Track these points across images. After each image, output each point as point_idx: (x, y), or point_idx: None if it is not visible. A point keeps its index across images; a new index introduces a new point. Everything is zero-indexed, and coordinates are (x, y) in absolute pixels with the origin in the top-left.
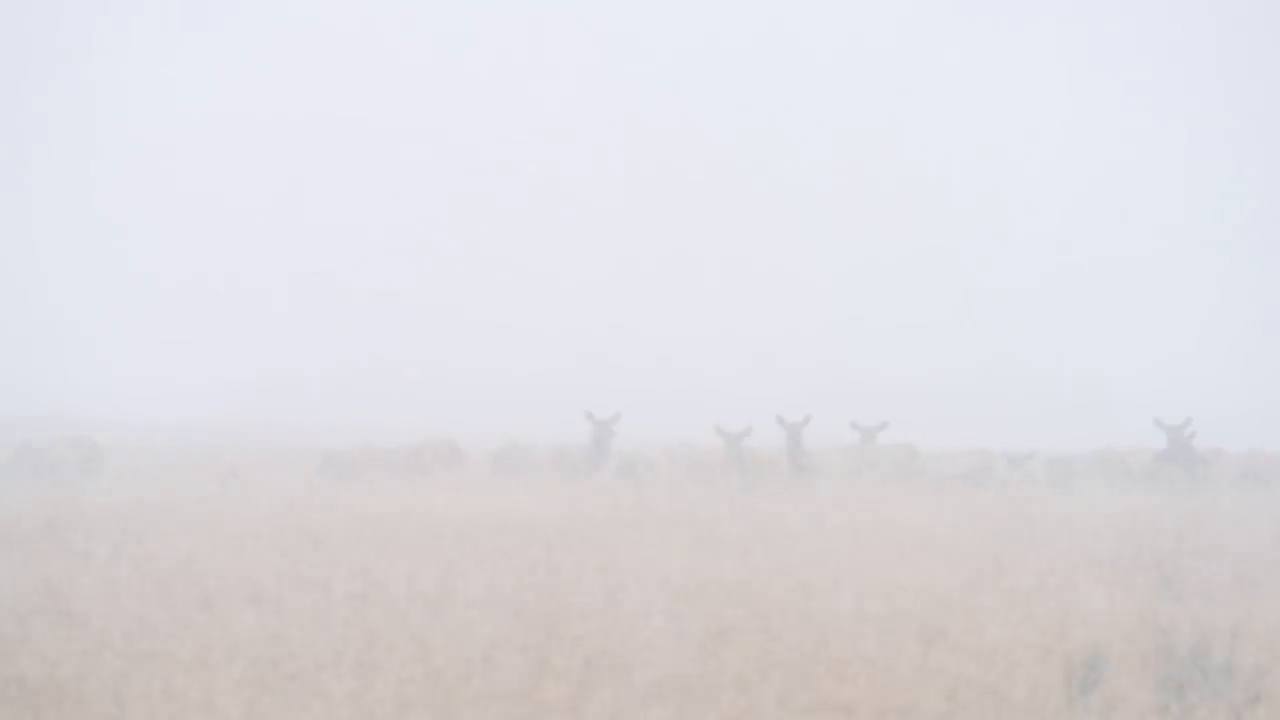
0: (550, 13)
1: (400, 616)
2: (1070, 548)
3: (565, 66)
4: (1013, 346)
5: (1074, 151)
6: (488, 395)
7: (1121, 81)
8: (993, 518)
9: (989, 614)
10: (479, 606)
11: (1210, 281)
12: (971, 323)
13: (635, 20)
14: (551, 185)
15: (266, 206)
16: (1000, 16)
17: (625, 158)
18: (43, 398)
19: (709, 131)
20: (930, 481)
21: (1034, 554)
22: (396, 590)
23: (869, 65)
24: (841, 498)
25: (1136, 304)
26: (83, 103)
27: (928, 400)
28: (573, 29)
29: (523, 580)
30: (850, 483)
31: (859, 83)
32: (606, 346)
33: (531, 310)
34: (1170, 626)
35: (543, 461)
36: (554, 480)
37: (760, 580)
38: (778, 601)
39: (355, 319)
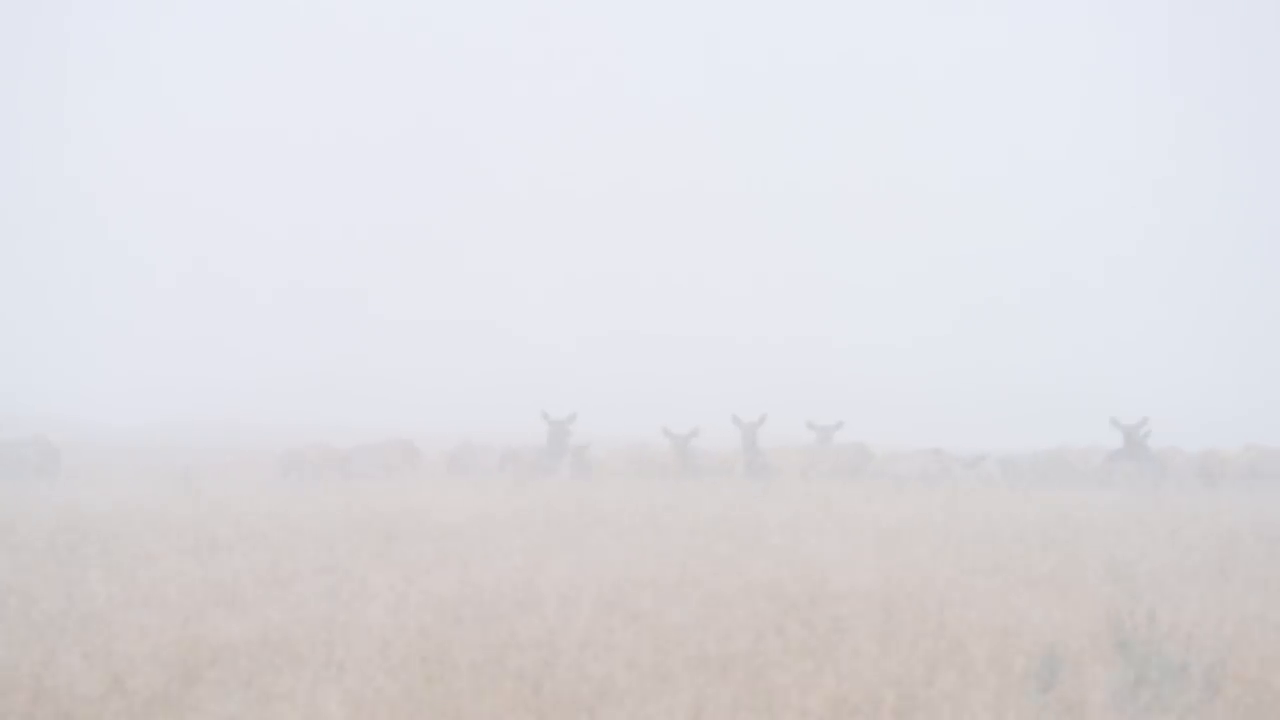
0: (541, 16)
1: (360, 615)
2: (1026, 546)
3: (529, 71)
4: (1004, 353)
5: (1064, 161)
6: (445, 396)
7: (1114, 91)
8: (947, 517)
9: (945, 612)
10: (436, 607)
11: (1196, 288)
12: (967, 331)
13: (624, 24)
14: (525, 189)
15: (238, 207)
16: (998, 30)
17: (601, 164)
18: (5, 396)
19: (690, 138)
20: (886, 481)
21: (990, 553)
22: (355, 589)
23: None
24: (796, 496)
25: (1123, 309)
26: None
27: (915, 407)
28: (549, 32)
29: (480, 579)
30: (804, 482)
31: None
32: (602, 349)
33: (493, 312)
34: (1126, 625)
35: (498, 461)
36: (509, 479)
37: (709, 577)
38: (728, 598)
39: (319, 320)
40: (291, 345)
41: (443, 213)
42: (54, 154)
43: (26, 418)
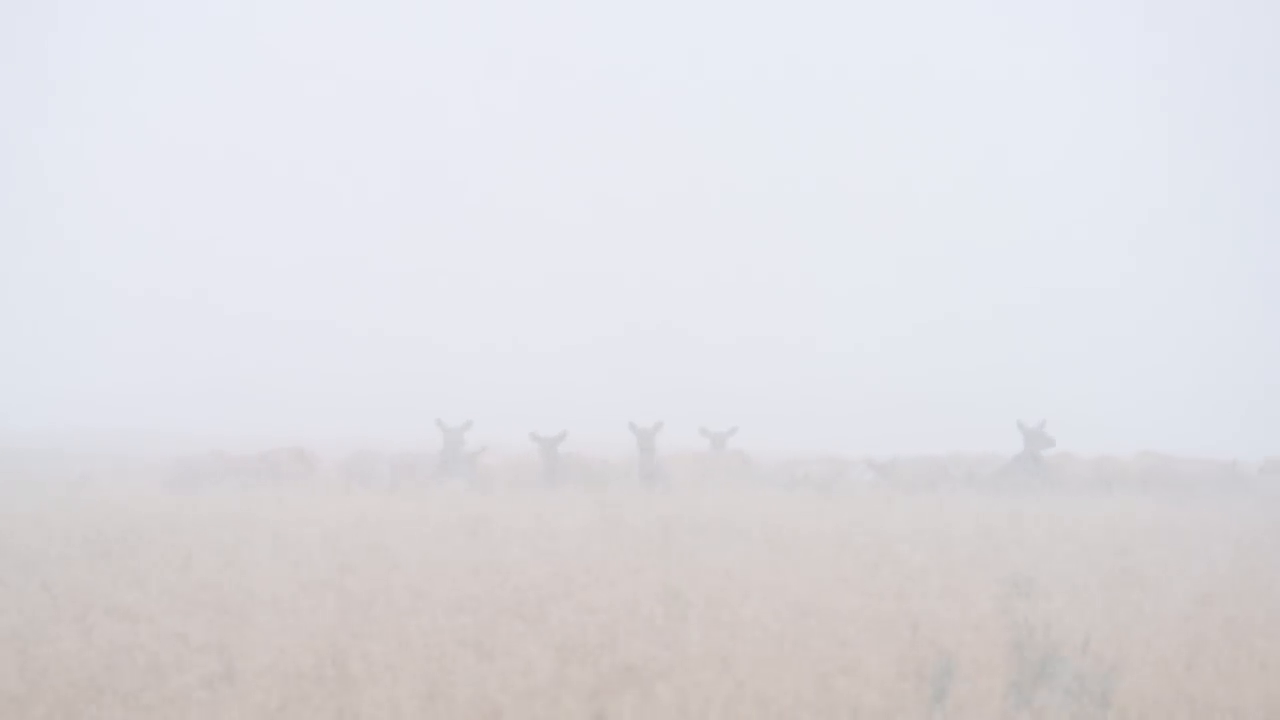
0: (513, 17)
1: (250, 622)
2: (922, 552)
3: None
4: (964, 362)
5: (1041, 177)
6: (338, 403)
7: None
8: (846, 523)
9: (842, 619)
10: (329, 612)
11: (1161, 311)
12: (930, 338)
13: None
14: (476, 197)
15: (168, 215)
16: (993, 33)
17: (559, 170)
18: None
19: (649, 142)
20: (782, 487)
21: (886, 559)
22: (246, 598)
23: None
24: (688, 503)
25: (1113, 319)
26: None
27: (874, 411)
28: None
29: (367, 586)
30: (698, 489)
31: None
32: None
33: (391, 319)
34: (1021, 631)
35: (391, 469)
36: (402, 487)
37: (606, 582)
38: (626, 605)
39: (221, 329)
40: (198, 352)
41: (370, 216)
42: None
43: None
